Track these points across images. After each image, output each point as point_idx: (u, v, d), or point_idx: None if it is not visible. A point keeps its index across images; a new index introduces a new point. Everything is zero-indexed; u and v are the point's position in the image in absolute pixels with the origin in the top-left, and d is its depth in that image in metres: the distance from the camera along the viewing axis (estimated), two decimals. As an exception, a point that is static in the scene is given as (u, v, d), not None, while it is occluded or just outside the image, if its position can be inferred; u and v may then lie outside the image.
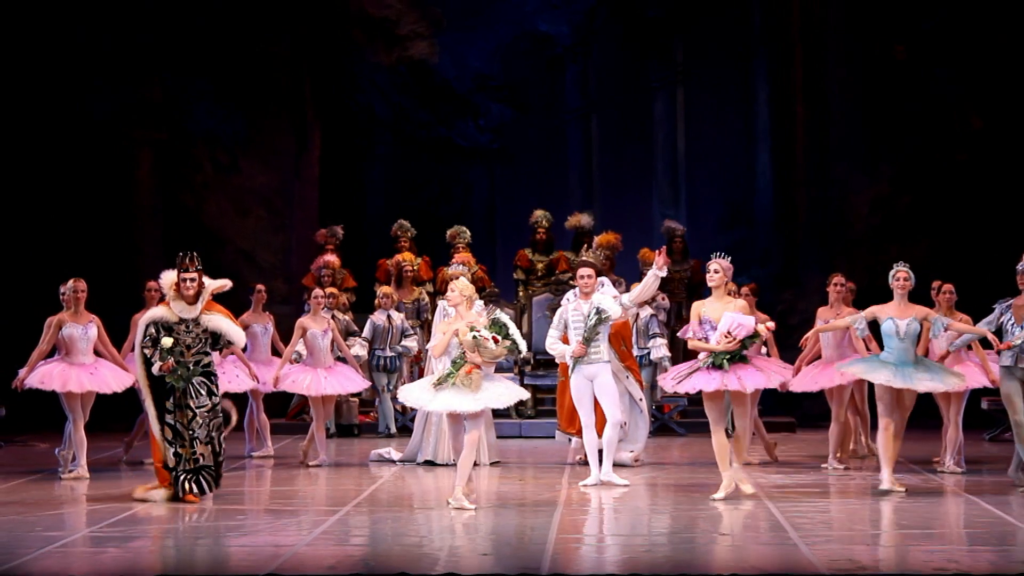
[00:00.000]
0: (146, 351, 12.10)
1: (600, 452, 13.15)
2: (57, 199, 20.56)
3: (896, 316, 12.37)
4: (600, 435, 13.18)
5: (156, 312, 12.23)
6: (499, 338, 11.69)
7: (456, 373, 11.70)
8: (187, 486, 12.09)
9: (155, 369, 12.07)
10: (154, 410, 12.15)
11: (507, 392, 11.85)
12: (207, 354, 12.29)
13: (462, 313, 12.03)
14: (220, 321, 12.27)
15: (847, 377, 13.55)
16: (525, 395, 12.21)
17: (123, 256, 20.56)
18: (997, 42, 20.75)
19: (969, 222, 20.56)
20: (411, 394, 11.96)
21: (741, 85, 23.16)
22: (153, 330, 12.10)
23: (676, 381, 12.19)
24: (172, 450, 12.10)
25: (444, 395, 11.68)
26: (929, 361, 12.76)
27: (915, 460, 14.30)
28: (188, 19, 21.13)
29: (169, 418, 12.12)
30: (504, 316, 11.99)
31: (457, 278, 12.66)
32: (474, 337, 11.61)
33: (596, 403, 13.16)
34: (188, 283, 12.12)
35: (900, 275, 12.50)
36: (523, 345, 12.08)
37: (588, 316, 13.00)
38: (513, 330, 11.89)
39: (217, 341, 12.35)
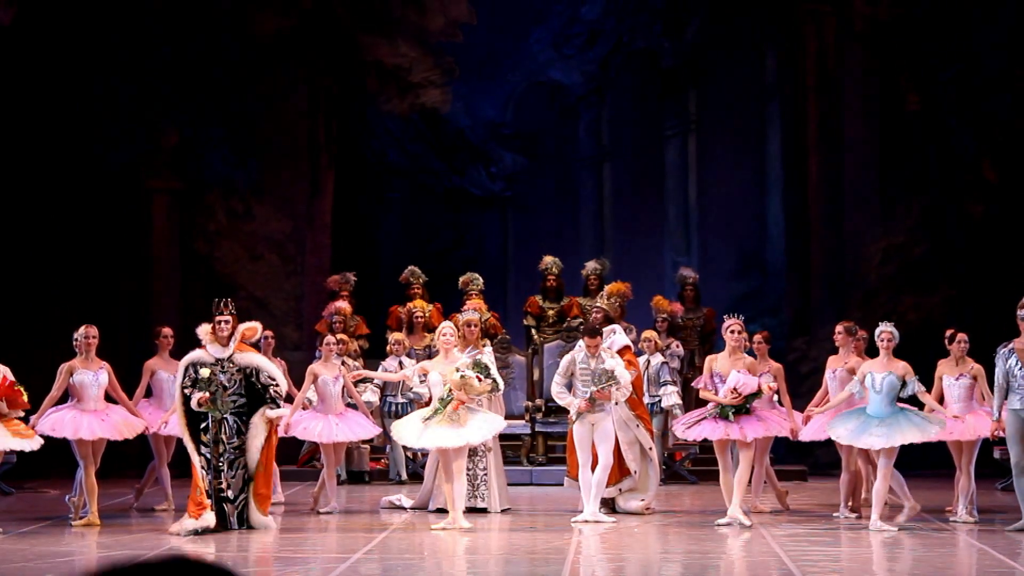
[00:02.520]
0: (186, 391, 13.05)
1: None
2: (73, 247, 20.62)
3: (875, 371, 13.18)
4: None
5: (194, 354, 13.17)
6: (482, 377, 13.01)
7: (444, 410, 13.05)
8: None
9: (193, 403, 13.00)
10: (192, 444, 13.04)
11: (488, 425, 13.29)
12: (242, 395, 13.16)
13: (447, 355, 13.64)
14: (252, 357, 13.26)
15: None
16: (503, 424, 13.74)
17: (139, 303, 20.62)
18: (1013, 92, 20.79)
19: (983, 272, 20.56)
20: (402, 433, 13.47)
21: (754, 134, 23.21)
22: (192, 371, 13.03)
23: (686, 427, 13.68)
24: (209, 478, 13.00)
25: (432, 432, 13.08)
26: (910, 413, 12.99)
27: (928, 509, 14.25)
28: (204, 69, 21.26)
29: (205, 451, 13.05)
30: (487, 358, 13.46)
31: (470, 323, 14.30)
32: (461, 376, 12.92)
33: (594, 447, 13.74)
34: (223, 324, 13.11)
35: (884, 335, 13.37)
36: (501, 384, 13.63)
37: (596, 374, 13.52)
38: (494, 371, 13.35)
39: (251, 380, 13.12)
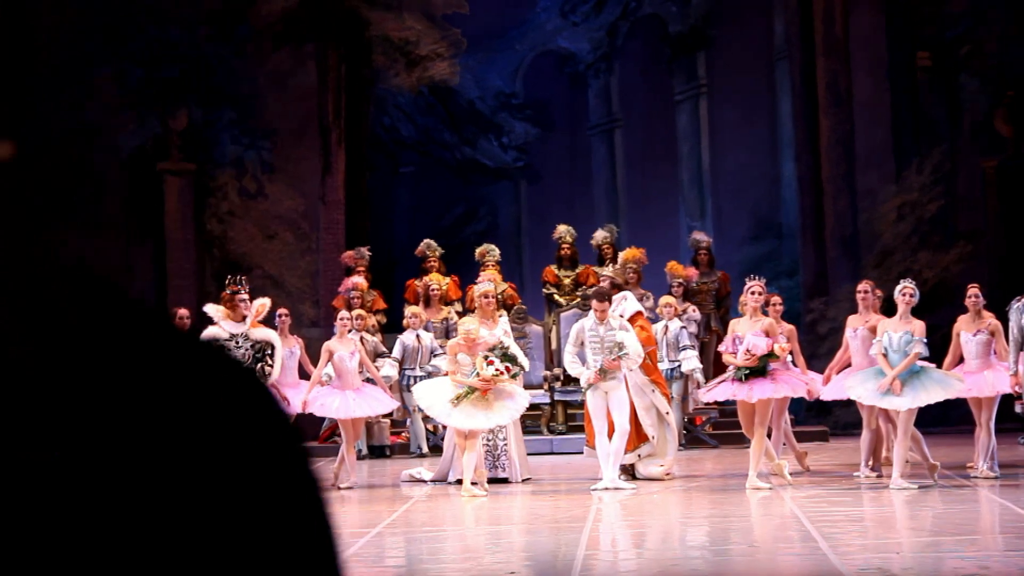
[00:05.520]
0: None
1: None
2: (87, 231, 20.67)
3: (892, 329, 13.10)
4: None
5: (209, 331, 13.46)
6: (511, 367, 13.54)
7: (472, 395, 13.43)
8: None
9: None
10: None
11: (514, 404, 13.74)
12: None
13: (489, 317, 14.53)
14: (268, 333, 13.66)
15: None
16: (528, 401, 14.11)
17: (154, 285, 20.68)
18: (1022, 47, 20.70)
19: (998, 227, 20.50)
20: (431, 406, 13.81)
21: (765, 96, 23.16)
22: None
23: (706, 391, 13.88)
24: None
25: (460, 412, 13.50)
26: (930, 371, 12.97)
27: (949, 466, 14.23)
28: (212, 50, 21.27)
29: None
30: (514, 346, 14.02)
31: (485, 294, 14.69)
32: (494, 373, 13.41)
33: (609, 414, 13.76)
34: (242, 302, 13.50)
35: (906, 291, 13.23)
36: (527, 365, 14.34)
37: (606, 343, 13.56)
38: (521, 358, 13.93)
39: (261, 355, 13.28)
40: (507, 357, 13.63)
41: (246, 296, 13.45)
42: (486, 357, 13.54)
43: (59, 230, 20.63)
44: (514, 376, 13.71)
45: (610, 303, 13.83)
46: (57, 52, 20.67)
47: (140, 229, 20.97)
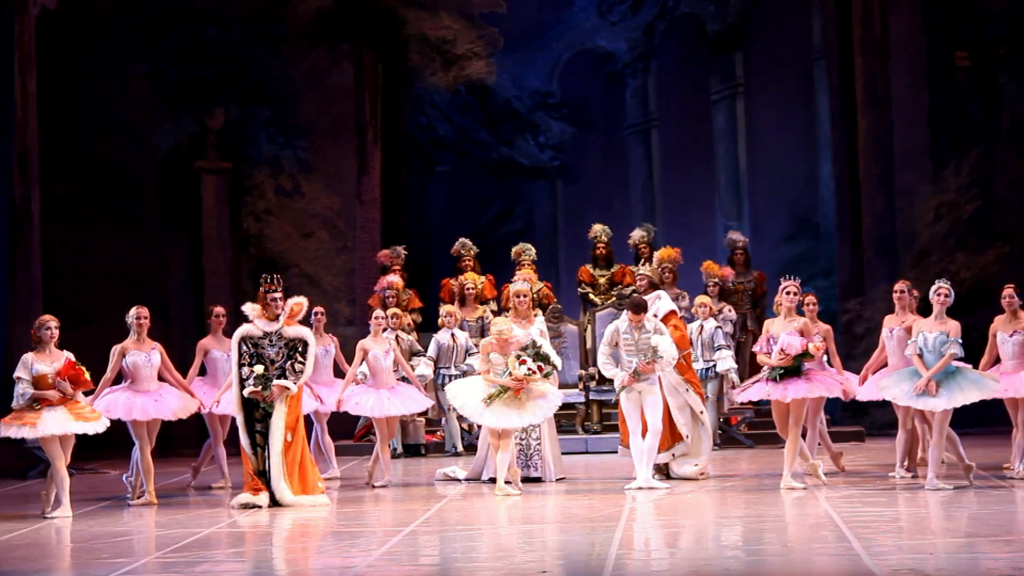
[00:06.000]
0: (243, 370, 13.33)
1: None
2: (124, 229, 20.77)
3: (927, 330, 13.07)
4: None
5: (244, 329, 13.44)
6: (543, 366, 13.59)
7: (505, 394, 13.48)
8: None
9: (246, 392, 13.29)
10: (244, 423, 13.35)
11: (547, 403, 13.74)
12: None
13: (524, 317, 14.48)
14: (302, 330, 13.52)
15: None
16: (561, 400, 14.06)
17: (190, 283, 20.77)
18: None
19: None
20: (466, 407, 13.83)
21: (802, 95, 23.09)
22: (245, 347, 13.35)
23: (740, 390, 13.80)
24: (262, 454, 13.31)
25: (494, 411, 13.58)
26: (966, 371, 12.91)
27: (985, 467, 14.17)
28: (248, 49, 21.33)
29: (259, 426, 13.33)
30: (546, 345, 13.87)
31: (520, 294, 14.69)
32: (526, 372, 13.47)
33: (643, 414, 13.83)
34: (276, 301, 13.43)
35: (941, 291, 13.18)
36: (560, 364, 14.23)
37: (640, 346, 13.66)
38: (554, 356, 13.86)
39: (293, 352, 13.39)
40: (540, 356, 13.67)
41: (279, 295, 13.41)
42: (518, 356, 13.57)
43: (97, 228, 20.73)
44: (547, 375, 13.72)
45: (645, 313, 13.82)
46: (93, 50, 20.77)
47: (176, 227, 21.07)
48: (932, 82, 21.02)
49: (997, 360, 13.76)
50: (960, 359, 13.11)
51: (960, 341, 12.95)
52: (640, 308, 13.78)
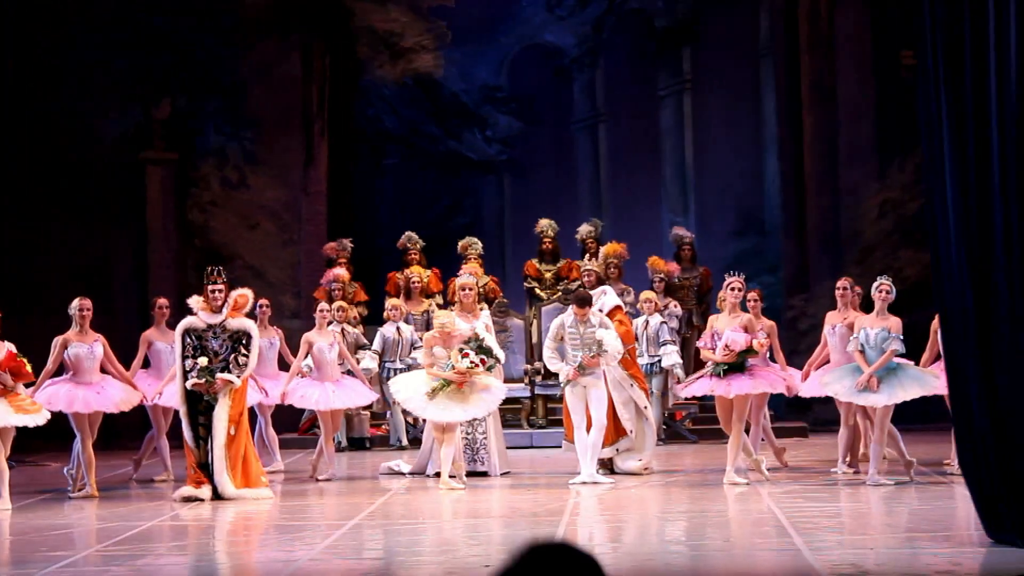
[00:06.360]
0: (186, 362, 13.29)
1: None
2: (68, 219, 20.65)
3: (868, 326, 13.20)
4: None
5: (187, 321, 13.39)
6: (486, 359, 13.62)
7: (448, 387, 13.52)
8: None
9: (189, 384, 13.24)
10: (187, 415, 13.32)
11: (491, 397, 13.77)
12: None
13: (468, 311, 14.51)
14: (246, 323, 13.48)
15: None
16: (505, 394, 14.11)
17: (134, 274, 20.65)
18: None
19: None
20: (409, 402, 13.83)
21: (749, 92, 23.15)
22: (189, 340, 13.33)
23: (684, 386, 13.94)
24: (205, 447, 13.25)
25: (437, 405, 13.55)
26: (907, 368, 13.02)
27: (925, 463, 14.27)
28: (196, 39, 21.23)
29: (202, 419, 13.29)
30: (489, 338, 13.96)
31: (465, 287, 14.76)
32: (469, 366, 13.46)
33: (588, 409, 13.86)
34: (216, 294, 13.34)
35: (883, 288, 13.35)
36: (503, 358, 14.23)
37: (585, 340, 13.68)
38: (497, 350, 13.91)
39: (237, 344, 13.33)
40: (482, 349, 13.70)
41: (220, 287, 13.35)
42: (461, 350, 13.58)
43: (42, 218, 20.59)
44: (489, 368, 13.74)
45: (590, 307, 13.86)
46: (42, 38, 20.62)
47: (121, 217, 20.94)
48: (878, 80, 21.13)
49: (938, 356, 13.82)
50: (901, 355, 13.20)
51: (901, 337, 13.04)
52: (585, 302, 13.80)
